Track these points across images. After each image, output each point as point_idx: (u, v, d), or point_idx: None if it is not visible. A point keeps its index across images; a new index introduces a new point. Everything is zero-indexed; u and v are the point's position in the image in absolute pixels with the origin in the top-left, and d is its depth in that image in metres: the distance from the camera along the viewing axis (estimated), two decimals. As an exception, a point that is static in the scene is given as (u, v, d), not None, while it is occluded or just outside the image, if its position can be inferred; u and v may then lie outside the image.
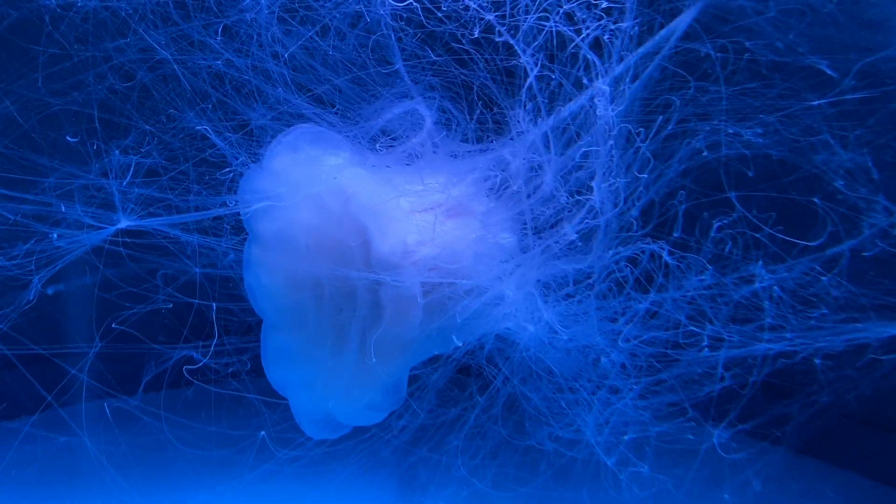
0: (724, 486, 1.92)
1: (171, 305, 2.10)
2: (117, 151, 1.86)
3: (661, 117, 1.94)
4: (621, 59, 1.87)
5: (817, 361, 1.91)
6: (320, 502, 2.17)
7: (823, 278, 1.89)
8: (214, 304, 2.04)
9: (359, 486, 2.04)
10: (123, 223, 1.84)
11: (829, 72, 1.92)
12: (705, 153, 1.98)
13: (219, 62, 1.90)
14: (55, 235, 1.83)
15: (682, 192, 2.00)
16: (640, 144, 1.92)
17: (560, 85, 1.88)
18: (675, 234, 1.94)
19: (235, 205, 1.90)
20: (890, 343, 1.88)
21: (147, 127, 1.95)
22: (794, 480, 2.20)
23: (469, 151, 2.02)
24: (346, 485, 2.06)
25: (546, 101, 1.87)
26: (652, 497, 1.90)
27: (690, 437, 1.89)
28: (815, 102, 1.92)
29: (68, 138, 1.92)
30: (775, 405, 1.96)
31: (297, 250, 1.94)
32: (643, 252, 1.91)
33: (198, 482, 2.13)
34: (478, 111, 1.98)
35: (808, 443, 2.01)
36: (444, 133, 2.00)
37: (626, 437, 1.89)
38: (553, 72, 1.86)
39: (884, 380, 1.92)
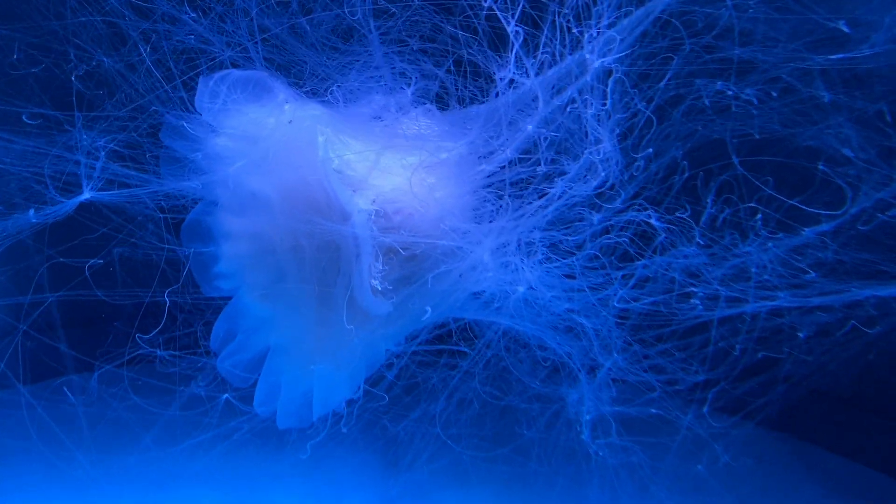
0: (699, 458, 1.94)
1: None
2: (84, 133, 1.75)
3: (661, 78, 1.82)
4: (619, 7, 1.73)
5: (801, 335, 1.88)
6: (286, 469, 2.19)
7: (805, 231, 1.83)
8: (190, 250, 1.98)
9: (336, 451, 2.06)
10: (86, 194, 1.76)
11: (845, 29, 1.78)
12: (709, 112, 1.88)
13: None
14: (32, 212, 1.77)
15: (680, 150, 1.92)
16: (640, 105, 1.83)
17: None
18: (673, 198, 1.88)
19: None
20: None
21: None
22: (763, 455, 2.23)
23: (450, 108, 1.91)
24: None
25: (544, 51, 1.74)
26: (624, 465, 1.92)
27: (653, 410, 1.89)
28: (836, 56, 1.79)
29: (25, 119, 1.81)
30: (749, 382, 1.95)
31: (270, 211, 1.87)
32: (635, 218, 1.85)
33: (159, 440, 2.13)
34: (450, 58, 1.85)
35: (778, 419, 2.01)
36: (419, 90, 1.88)
37: (605, 408, 1.89)
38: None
39: (853, 359, 1.91)
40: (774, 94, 1.80)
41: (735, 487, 2.02)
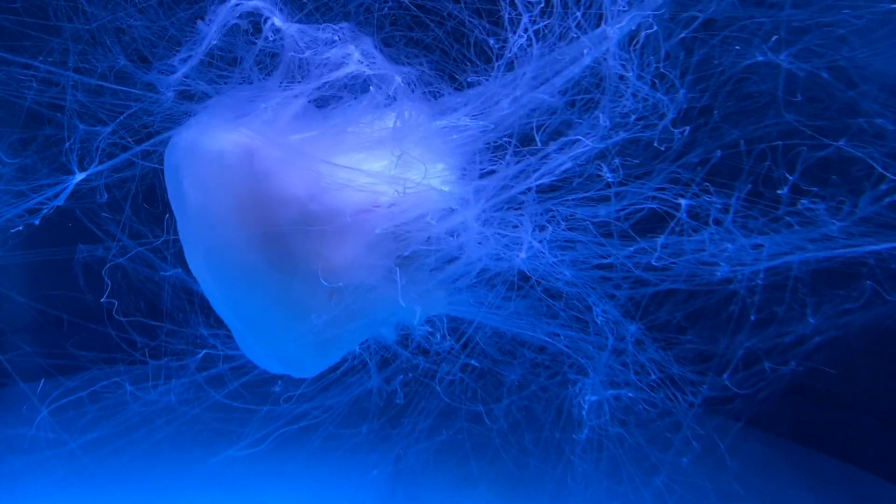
0: (689, 453, 1.95)
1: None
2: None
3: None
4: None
5: (811, 321, 1.83)
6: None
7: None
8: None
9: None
10: (78, 176, 1.71)
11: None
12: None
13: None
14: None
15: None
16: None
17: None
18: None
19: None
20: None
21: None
22: (749, 452, 2.24)
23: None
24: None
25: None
26: (611, 457, 1.94)
27: (631, 394, 1.88)
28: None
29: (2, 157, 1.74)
30: (740, 379, 1.92)
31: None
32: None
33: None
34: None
35: (763, 416, 2.00)
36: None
37: (604, 393, 1.88)
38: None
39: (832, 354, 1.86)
40: (826, 75, 1.63)
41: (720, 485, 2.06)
